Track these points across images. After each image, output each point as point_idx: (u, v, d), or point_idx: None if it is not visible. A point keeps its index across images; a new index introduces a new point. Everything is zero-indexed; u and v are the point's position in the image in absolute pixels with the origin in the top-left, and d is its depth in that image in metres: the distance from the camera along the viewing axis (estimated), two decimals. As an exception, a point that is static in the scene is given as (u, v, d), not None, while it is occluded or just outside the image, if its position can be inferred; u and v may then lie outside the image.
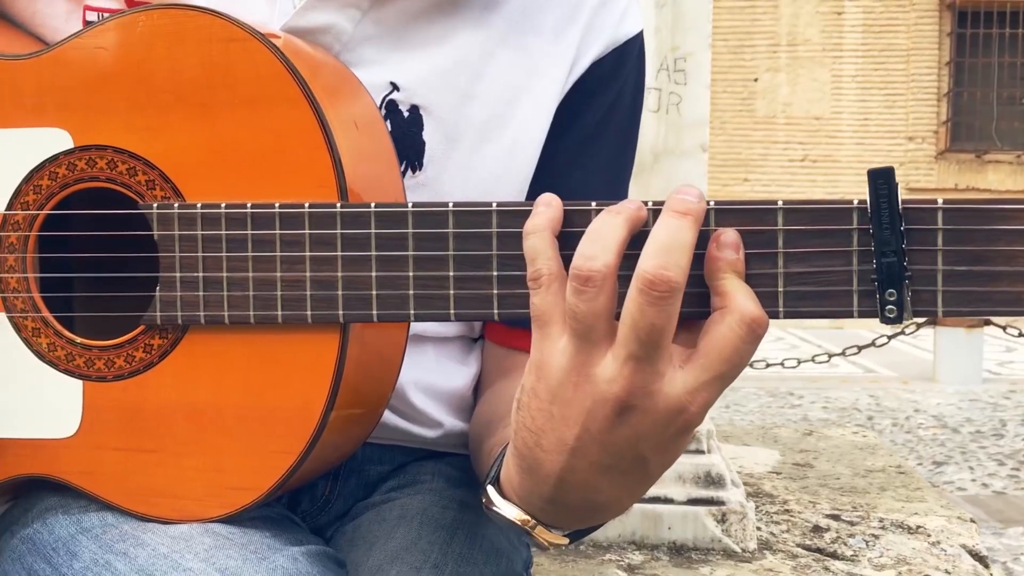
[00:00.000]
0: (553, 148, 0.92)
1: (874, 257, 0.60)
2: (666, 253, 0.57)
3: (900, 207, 0.59)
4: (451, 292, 0.68)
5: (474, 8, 0.89)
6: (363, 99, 0.82)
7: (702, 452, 2.59)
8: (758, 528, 2.70)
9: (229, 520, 0.76)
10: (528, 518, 0.67)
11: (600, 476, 0.62)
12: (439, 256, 0.68)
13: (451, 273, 0.68)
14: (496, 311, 0.68)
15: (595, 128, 0.94)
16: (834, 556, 2.68)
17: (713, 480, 2.58)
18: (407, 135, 0.87)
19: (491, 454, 0.78)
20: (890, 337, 5.78)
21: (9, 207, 0.78)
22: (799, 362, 5.83)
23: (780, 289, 0.62)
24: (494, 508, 0.68)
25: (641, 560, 2.44)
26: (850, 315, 0.62)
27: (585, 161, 0.94)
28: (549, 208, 0.63)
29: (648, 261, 0.57)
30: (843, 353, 5.92)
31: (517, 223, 0.66)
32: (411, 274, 0.69)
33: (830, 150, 10.96)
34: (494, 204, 0.67)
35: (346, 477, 0.95)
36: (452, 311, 0.69)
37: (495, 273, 0.67)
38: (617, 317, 0.59)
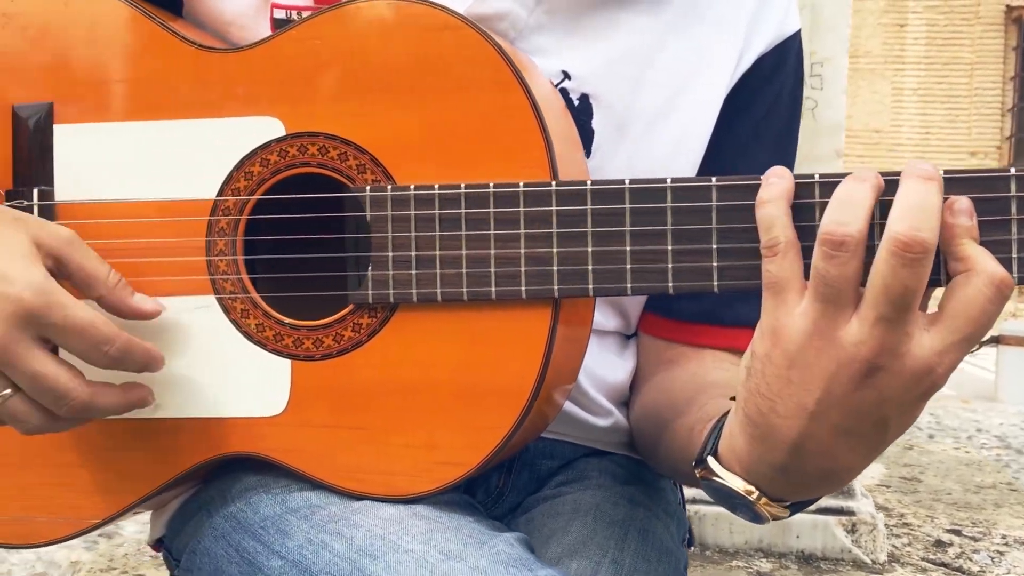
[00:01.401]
0: (719, 141, 0.93)
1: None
2: (917, 215, 0.58)
3: None
4: (669, 265, 0.70)
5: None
6: (549, 85, 0.84)
7: (831, 461, 2.55)
8: (878, 541, 2.66)
9: (431, 503, 0.78)
10: (752, 488, 0.67)
11: (839, 441, 0.63)
12: (657, 231, 0.70)
13: (669, 247, 0.70)
14: (716, 283, 0.69)
15: (761, 121, 0.95)
16: (961, 571, 2.63)
17: (843, 490, 2.55)
18: (577, 123, 0.89)
19: (688, 433, 0.79)
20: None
21: (220, 193, 0.81)
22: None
23: (1014, 255, 0.63)
24: (715, 479, 0.69)
25: (769, 568, 2.42)
26: (1092, 279, 0.62)
27: (751, 155, 0.95)
28: (782, 180, 0.64)
29: (899, 224, 0.58)
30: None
31: (736, 197, 0.68)
32: (628, 248, 0.71)
33: (889, 164, 10.83)
34: (713, 180, 0.69)
35: (519, 470, 0.96)
36: (671, 284, 0.70)
37: (715, 246, 0.69)
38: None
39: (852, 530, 2.53)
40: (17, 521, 0.85)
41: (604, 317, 0.95)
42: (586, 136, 0.89)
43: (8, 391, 0.72)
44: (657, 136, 0.91)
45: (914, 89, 10.97)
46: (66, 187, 0.83)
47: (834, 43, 2.12)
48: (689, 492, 1.09)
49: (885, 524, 2.90)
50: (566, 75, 0.89)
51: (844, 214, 0.60)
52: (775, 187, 0.64)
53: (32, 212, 0.83)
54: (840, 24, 2.16)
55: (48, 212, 0.83)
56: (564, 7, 0.88)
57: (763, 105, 0.95)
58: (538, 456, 0.97)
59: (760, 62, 0.94)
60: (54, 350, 0.73)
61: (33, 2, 0.84)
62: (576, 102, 0.89)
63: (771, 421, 0.64)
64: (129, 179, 0.82)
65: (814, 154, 2.17)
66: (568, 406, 0.93)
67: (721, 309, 0.95)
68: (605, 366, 0.96)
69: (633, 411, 0.98)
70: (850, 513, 2.53)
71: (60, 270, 0.74)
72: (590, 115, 0.89)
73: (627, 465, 1.00)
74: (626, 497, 0.94)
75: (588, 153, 0.90)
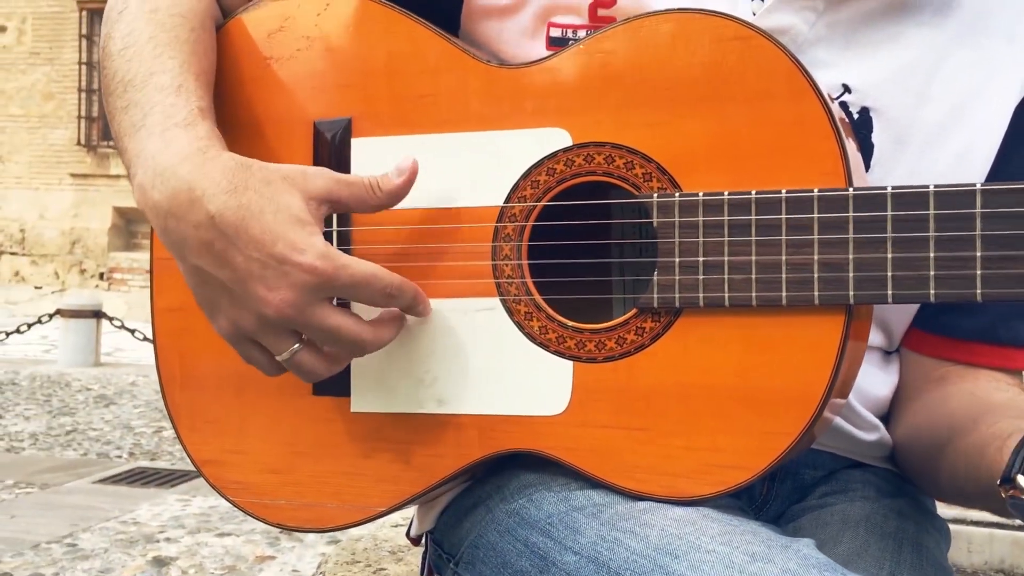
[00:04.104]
0: (1006, 153, 0.91)
1: None
2: None
3: None
4: (978, 272, 0.69)
5: (926, 10, 0.90)
6: (829, 98, 0.84)
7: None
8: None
9: (712, 507, 0.78)
10: None
11: None
12: (964, 236, 0.69)
13: (977, 253, 0.68)
14: (1033, 290, 0.67)
15: None
16: None
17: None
18: (857, 137, 0.88)
19: (980, 452, 0.77)
20: None
21: (507, 201, 0.85)
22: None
23: None
24: None
25: (1009, 588, 2.30)
26: None
27: None
28: None
29: None
30: None
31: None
32: (932, 255, 0.70)
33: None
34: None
35: (783, 479, 0.96)
36: (979, 291, 0.69)
37: (1034, 253, 0.67)
38: None
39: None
40: (310, 507, 0.91)
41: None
42: (866, 150, 0.88)
43: (296, 346, 0.80)
44: (939, 150, 0.89)
45: None
46: None
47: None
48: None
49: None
50: (846, 88, 0.88)
51: None
52: None
53: (331, 222, 0.89)
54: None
55: (345, 219, 0.90)
56: (845, 20, 0.88)
57: None
58: (801, 465, 0.96)
59: None
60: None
61: (335, 25, 0.91)
62: (856, 115, 0.89)
63: None
64: (421, 187, 0.87)
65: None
66: (836, 419, 0.92)
67: (998, 327, 0.92)
68: (870, 380, 0.95)
69: (899, 428, 0.96)
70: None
71: (334, 207, 0.81)
72: (870, 129, 0.89)
73: (889, 478, 0.98)
74: (894, 510, 0.93)
75: (867, 167, 0.89)
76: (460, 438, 0.86)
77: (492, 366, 0.85)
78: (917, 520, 0.94)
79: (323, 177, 0.81)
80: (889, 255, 0.71)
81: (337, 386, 0.89)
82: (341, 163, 0.90)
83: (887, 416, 0.99)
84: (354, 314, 0.81)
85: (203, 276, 0.80)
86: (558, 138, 0.83)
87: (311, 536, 3.50)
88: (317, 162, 0.91)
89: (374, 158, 0.89)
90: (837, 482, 0.96)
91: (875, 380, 0.96)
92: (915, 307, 0.93)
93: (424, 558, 1.08)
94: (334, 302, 0.81)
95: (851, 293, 0.73)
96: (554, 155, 0.83)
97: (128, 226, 12.98)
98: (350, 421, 0.90)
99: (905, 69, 0.89)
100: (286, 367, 0.81)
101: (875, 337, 0.95)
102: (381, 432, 0.89)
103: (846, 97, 0.89)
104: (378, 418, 0.89)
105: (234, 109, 0.93)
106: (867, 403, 0.95)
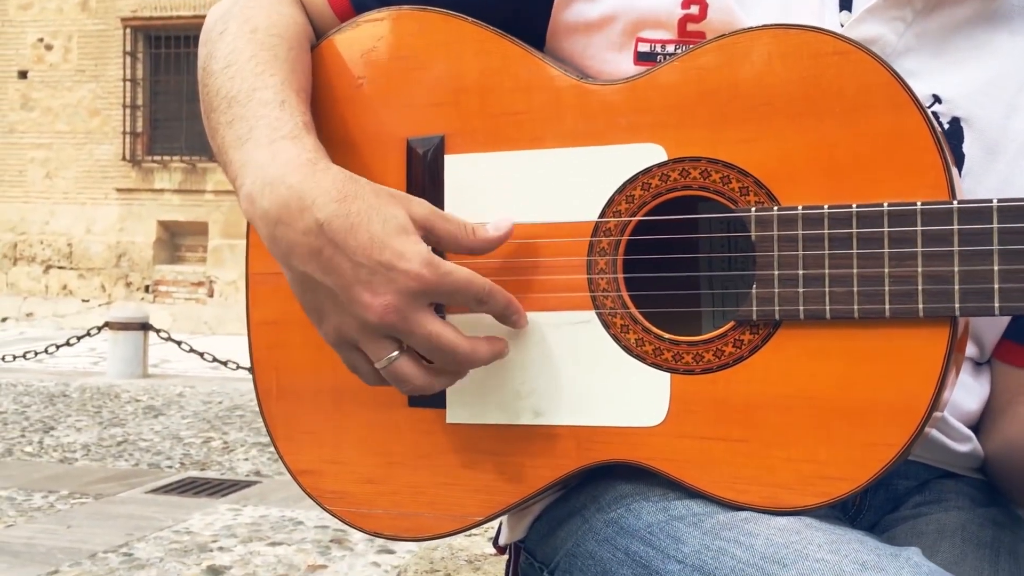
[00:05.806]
0: None
1: None
2: None
3: None
4: (1088, 284, 0.69)
5: (1016, 19, 0.90)
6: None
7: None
8: None
9: (813, 516, 0.79)
10: None
11: None
12: (1074, 249, 0.69)
13: (1088, 265, 0.69)
14: None
15: None
16: None
17: None
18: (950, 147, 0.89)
19: None
20: None
21: (602, 216, 0.86)
22: None
23: None
24: None
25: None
26: None
27: None
28: None
29: None
30: None
31: None
32: (1040, 267, 0.70)
33: None
34: None
35: (875, 489, 0.96)
36: (1089, 303, 0.69)
37: None
38: None
39: None
40: (406, 516, 0.93)
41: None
42: (957, 160, 0.89)
43: (395, 353, 0.81)
44: None
45: None
46: (455, 211, 0.91)
47: None
48: None
49: None
50: (936, 99, 0.89)
51: None
52: None
53: None
54: None
55: (440, 234, 0.91)
56: (935, 29, 0.89)
57: None
58: (894, 475, 0.96)
59: None
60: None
61: (427, 45, 0.93)
62: (946, 125, 0.89)
63: None
64: (514, 203, 0.89)
65: None
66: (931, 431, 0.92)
67: None
68: (961, 392, 0.95)
69: (992, 440, 0.96)
70: None
71: (428, 237, 0.83)
72: (961, 139, 0.89)
73: (981, 487, 0.98)
74: (989, 519, 0.93)
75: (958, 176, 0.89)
76: (557, 449, 0.88)
77: (589, 378, 0.87)
78: (1013, 529, 0.94)
79: (426, 205, 0.83)
80: (996, 267, 0.72)
81: (433, 398, 0.91)
82: (434, 180, 0.92)
83: (977, 427, 0.99)
84: (453, 326, 0.83)
85: (310, 283, 0.82)
86: (653, 153, 0.84)
87: (361, 545, 3.53)
88: (411, 179, 0.93)
89: (468, 174, 0.91)
90: (931, 492, 0.96)
91: (966, 391, 0.96)
92: (1008, 318, 0.93)
93: (508, 566, 1.09)
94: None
95: (957, 305, 0.73)
96: (649, 170, 0.84)
97: (172, 239, 13.15)
98: (446, 432, 0.91)
99: (996, 79, 0.89)
100: (384, 376, 0.83)
101: (968, 348, 0.95)
102: (477, 443, 0.90)
103: (936, 107, 0.89)
104: (474, 429, 0.90)
105: (328, 127, 0.95)
106: (959, 415, 0.95)
